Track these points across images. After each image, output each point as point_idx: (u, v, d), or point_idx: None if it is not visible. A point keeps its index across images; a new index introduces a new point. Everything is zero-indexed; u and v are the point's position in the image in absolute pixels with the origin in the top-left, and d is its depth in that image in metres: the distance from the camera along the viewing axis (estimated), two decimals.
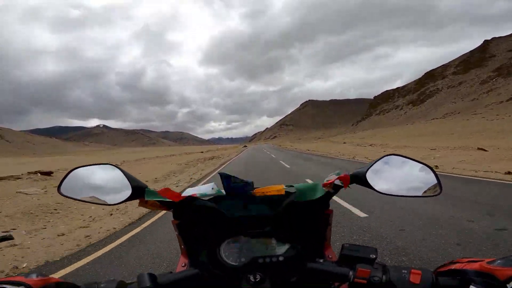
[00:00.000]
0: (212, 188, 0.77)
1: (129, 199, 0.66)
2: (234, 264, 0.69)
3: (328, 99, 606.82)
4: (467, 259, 0.49)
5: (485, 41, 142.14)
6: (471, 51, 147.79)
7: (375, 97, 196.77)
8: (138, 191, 0.67)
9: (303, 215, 0.76)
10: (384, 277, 0.50)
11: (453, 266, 0.50)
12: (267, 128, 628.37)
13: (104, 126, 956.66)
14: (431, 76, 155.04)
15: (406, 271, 0.49)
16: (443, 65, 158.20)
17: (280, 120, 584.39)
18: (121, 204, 0.66)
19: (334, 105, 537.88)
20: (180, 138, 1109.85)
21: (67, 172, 0.68)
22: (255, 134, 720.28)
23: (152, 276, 0.55)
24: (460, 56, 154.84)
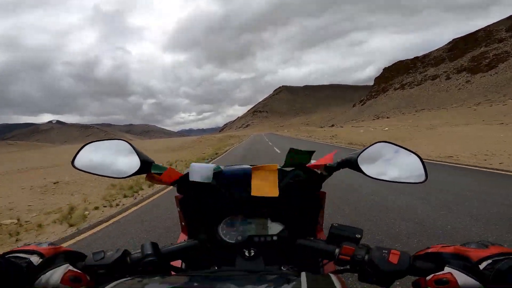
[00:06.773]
0: (213, 169, 0.78)
1: (137, 173, 0.69)
2: (231, 242, 0.75)
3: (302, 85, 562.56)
4: (441, 245, 0.53)
5: None
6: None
7: (385, 69, 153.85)
8: (146, 166, 0.70)
9: (298, 196, 0.80)
10: (366, 256, 0.54)
11: (429, 250, 0.53)
12: (238, 117, 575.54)
13: (58, 121, 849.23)
14: (473, 40, 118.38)
15: (386, 252, 0.53)
16: (483, 29, 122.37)
17: (253, 107, 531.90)
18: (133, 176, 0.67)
19: (309, 90, 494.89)
20: (146, 131, 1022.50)
21: (80, 146, 0.71)
22: (226, 123, 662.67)
23: (154, 245, 0.60)
24: (502, 20, 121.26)
